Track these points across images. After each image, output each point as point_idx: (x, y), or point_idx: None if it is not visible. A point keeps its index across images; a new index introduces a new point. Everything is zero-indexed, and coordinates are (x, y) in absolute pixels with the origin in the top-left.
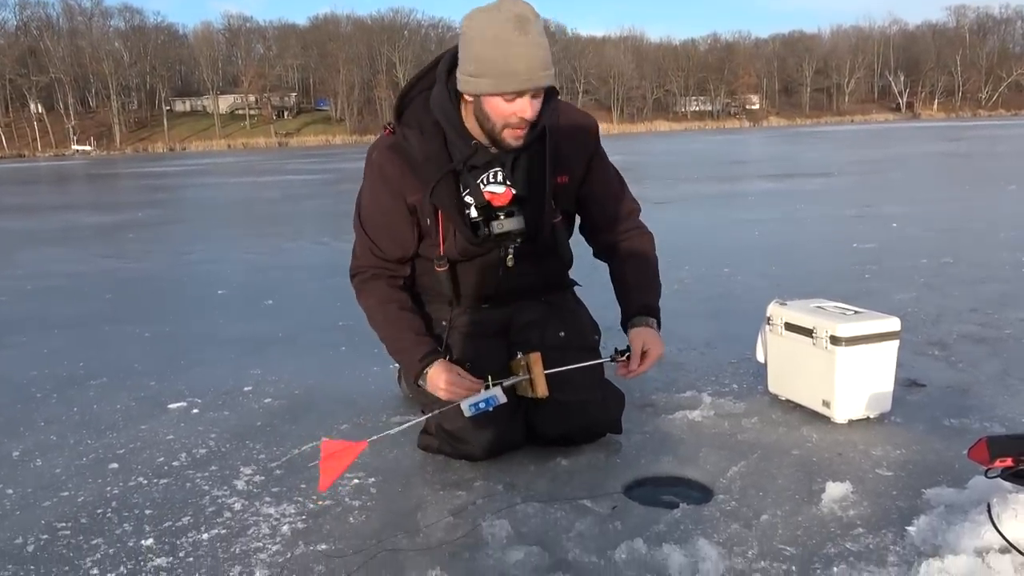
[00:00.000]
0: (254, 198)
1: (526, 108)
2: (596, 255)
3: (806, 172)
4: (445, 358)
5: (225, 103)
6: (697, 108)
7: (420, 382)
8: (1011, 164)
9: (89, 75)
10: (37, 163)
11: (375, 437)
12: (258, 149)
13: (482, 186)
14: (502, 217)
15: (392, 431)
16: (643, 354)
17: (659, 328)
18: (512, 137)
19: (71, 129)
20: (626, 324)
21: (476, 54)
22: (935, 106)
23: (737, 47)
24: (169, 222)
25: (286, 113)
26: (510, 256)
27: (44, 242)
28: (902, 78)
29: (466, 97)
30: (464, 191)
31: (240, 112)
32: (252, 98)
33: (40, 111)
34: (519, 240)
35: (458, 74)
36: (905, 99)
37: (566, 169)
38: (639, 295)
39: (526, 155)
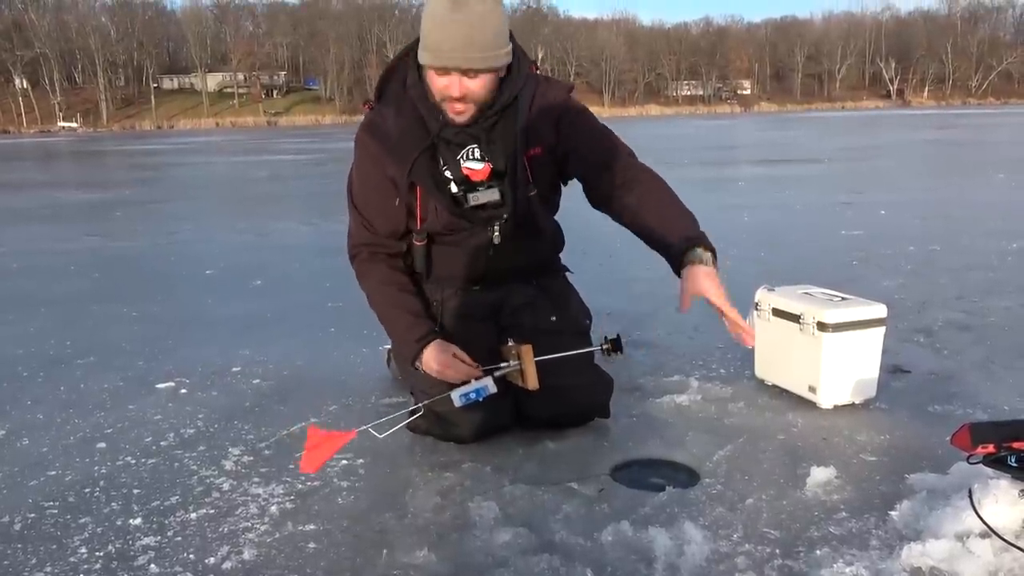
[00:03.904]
0: (243, 177)
1: (452, 86)
2: (610, 213)
3: (796, 158)
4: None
5: (213, 81)
6: (688, 92)
7: (416, 363)
8: (999, 153)
9: (75, 50)
10: (22, 139)
11: (363, 427)
12: (247, 128)
13: (461, 162)
14: (479, 190)
15: (379, 431)
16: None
17: (714, 255)
18: (452, 111)
19: (57, 105)
20: (678, 265)
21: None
22: (925, 94)
23: (729, 31)
24: (157, 201)
25: (275, 92)
26: (496, 234)
27: (30, 220)
28: (893, 65)
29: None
30: (443, 166)
31: (229, 90)
32: (241, 76)
33: (25, 86)
34: (505, 217)
35: None
36: (896, 86)
37: (537, 140)
38: (674, 227)
39: (499, 131)
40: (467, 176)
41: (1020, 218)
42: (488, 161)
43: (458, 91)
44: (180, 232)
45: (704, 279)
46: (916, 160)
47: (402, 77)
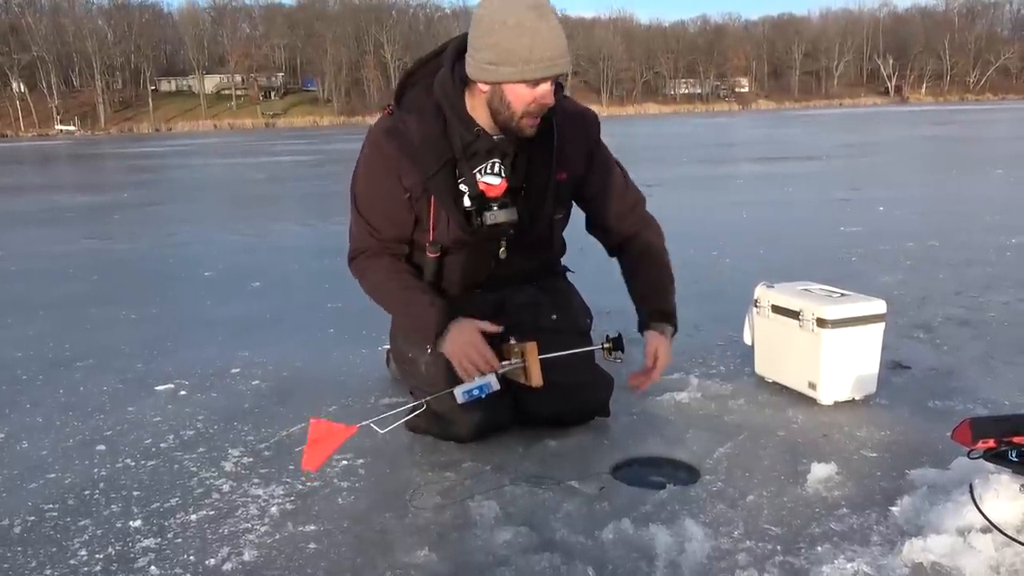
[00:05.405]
0: (241, 179)
1: (547, 94)
2: (609, 253)
3: (794, 155)
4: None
5: (211, 83)
6: (686, 91)
7: (439, 339)
8: (997, 148)
9: (72, 53)
10: (20, 143)
11: (364, 422)
12: (245, 130)
13: (478, 176)
14: (495, 208)
15: (381, 427)
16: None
17: (675, 330)
18: (529, 125)
19: (54, 108)
20: (642, 330)
21: (496, 42)
22: (923, 90)
23: (727, 29)
24: (155, 203)
25: (273, 94)
26: (503, 248)
27: (28, 223)
28: (891, 62)
29: (480, 87)
30: (459, 179)
31: (226, 92)
32: (238, 78)
33: (23, 90)
34: (512, 231)
35: (472, 63)
36: (894, 83)
37: (565, 166)
38: (654, 300)
39: (527, 148)
40: (482, 192)
41: (1018, 213)
42: (506, 177)
43: (551, 98)
44: (178, 234)
45: (659, 343)
46: (914, 156)
47: (425, 84)
